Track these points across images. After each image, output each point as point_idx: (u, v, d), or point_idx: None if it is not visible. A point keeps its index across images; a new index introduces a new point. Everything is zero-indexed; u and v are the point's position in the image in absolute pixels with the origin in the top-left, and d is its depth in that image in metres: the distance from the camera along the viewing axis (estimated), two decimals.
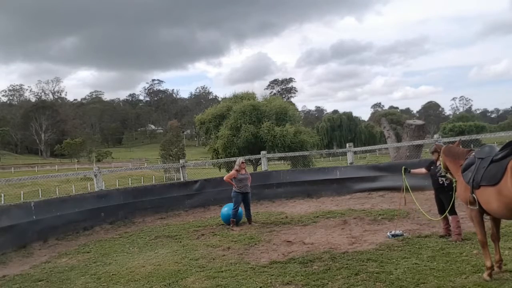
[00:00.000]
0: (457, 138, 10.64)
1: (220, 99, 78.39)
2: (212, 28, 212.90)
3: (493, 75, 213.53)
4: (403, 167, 7.27)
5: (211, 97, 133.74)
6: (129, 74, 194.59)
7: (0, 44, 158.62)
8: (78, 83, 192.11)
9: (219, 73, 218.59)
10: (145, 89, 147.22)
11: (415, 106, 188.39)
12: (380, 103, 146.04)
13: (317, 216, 9.48)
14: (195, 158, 68.15)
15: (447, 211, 6.53)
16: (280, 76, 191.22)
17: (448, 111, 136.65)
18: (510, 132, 27.06)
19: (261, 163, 14.90)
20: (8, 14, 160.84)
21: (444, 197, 6.63)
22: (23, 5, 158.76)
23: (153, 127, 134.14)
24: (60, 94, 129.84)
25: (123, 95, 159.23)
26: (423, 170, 7.29)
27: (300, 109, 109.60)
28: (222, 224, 9.38)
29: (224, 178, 9.84)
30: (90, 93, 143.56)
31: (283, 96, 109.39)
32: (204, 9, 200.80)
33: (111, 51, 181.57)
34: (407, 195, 7.11)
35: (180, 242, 8.08)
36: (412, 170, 7.38)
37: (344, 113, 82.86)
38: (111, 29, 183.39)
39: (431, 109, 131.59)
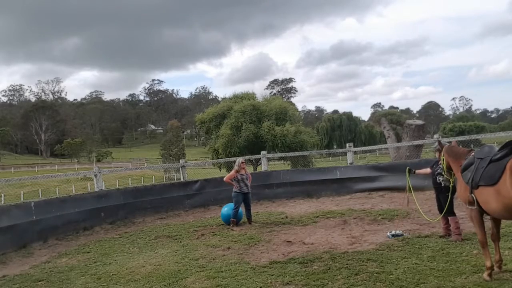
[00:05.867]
0: (456, 139, 10.67)
1: (220, 99, 78.49)
2: (214, 29, 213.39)
3: (492, 75, 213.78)
4: (407, 167, 7.17)
5: (211, 97, 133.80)
6: (131, 75, 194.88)
7: (2, 45, 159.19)
8: (80, 84, 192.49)
9: (220, 73, 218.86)
10: (145, 89, 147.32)
11: (415, 106, 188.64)
12: (380, 103, 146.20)
13: (317, 216, 9.47)
14: (195, 158, 68.16)
15: (443, 213, 6.49)
16: (280, 76, 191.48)
17: (448, 111, 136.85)
18: (510, 132, 27.05)
19: (261, 163, 14.90)
20: (10, 15, 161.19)
21: (443, 197, 6.62)
22: (25, 6, 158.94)
23: (153, 127, 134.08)
24: (60, 94, 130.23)
25: (125, 95, 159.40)
26: (428, 170, 7.17)
27: (300, 109, 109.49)
28: (222, 224, 9.38)
29: (224, 179, 9.85)
30: (90, 93, 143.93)
31: (283, 96, 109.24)
32: (206, 10, 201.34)
33: (113, 51, 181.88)
34: (410, 195, 7.07)
35: (180, 242, 8.08)
36: (417, 171, 7.26)
37: (344, 113, 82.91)
38: (113, 30, 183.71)
39: (431, 109, 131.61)
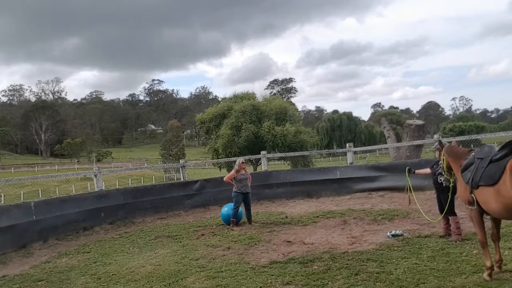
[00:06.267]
0: (456, 139, 10.67)
1: (220, 99, 78.51)
2: (214, 29, 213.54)
3: (492, 75, 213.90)
4: (407, 167, 7.17)
5: (211, 97, 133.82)
6: (131, 75, 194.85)
7: (2, 45, 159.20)
8: (80, 84, 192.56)
9: (220, 73, 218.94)
10: (145, 89, 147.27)
11: (415, 106, 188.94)
12: (380, 103, 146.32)
13: (317, 216, 9.48)
14: (195, 158, 68.18)
15: (444, 213, 6.50)
16: (280, 76, 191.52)
17: (448, 111, 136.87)
18: (510, 132, 27.04)
19: (261, 163, 14.90)
20: (10, 15, 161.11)
21: (443, 197, 6.62)
22: (25, 6, 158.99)
23: (153, 127, 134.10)
24: (60, 94, 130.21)
25: (125, 95, 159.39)
26: (427, 170, 7.18)
27: (300, 109, 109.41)
28: (222, 224, 9.38)
29: (224, 178, 9.86)
30: (90, 93, 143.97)
31: (283, 96, 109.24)
32: (206, 10, 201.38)
33: (113, 51, 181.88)
34: (411, 195, 7.07)
35: (180, 242, 8.08)
36: (417, 171, 7.27)
37: (344, 113, 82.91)
38: (113, 30, 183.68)
39: (431, 109, 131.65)
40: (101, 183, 11.07)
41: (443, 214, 6.54)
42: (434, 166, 6.96)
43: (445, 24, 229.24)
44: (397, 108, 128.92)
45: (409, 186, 7.02)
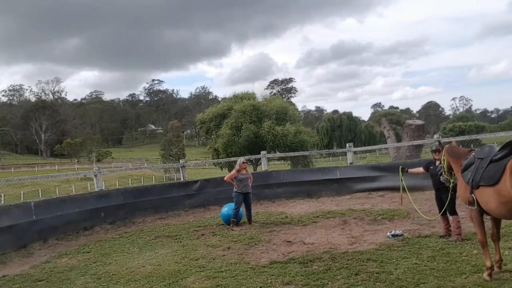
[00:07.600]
0: (456, 139, 10.68)
1: (220, 99, 78.54)
2: (215, 29, 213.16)
3: (492, 75, 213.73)
4: (400, 166, 7.37)
5: (211, 97, 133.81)
6: (131, 75, 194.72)
7: (3, 45, 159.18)
8: (80, 84, 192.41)
9: (220, 73, 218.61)
10: (145, 89, 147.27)
11: (415, 106, 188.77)
12: (380, 103, 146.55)
13: (317, 216, 9.48)
14: (195, 158, 68.18)
15: (443, 209, 6.53)
16: (281, 76, 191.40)
17: (448, 111, 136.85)
18: (510, 132, 27.03)
19: (261, 163, 14.90)
20: (11, 15, 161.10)
21: (445, 197, 6.62)
22: (26, 6, 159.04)
23: (153, 127, 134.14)
24: (60, 94, 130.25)
25: (125, 95, 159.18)
26: (420, 169, 7.32)
27: (300, 109, 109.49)
28: (222, 224, 9.38)
29: (225, 178, 9.87)
30: (90, 93, 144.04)
31: (283, 96, 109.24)
32: (206, 11, 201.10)
33: (114, 52, 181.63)
34: (405, 194, 7.15)
35: (180, 242, 8.08)
36: (410, 170, 7.42)
37: (344, 113, 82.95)
38: (114, 30, 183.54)
39: (431, 109, 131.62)
40: (101, 183, 11.07)
41: (442, 211, 6.56)
42: (431, 167, 6.98)
43: (445, 24, 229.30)
44: (397, 108, 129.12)
45: (403, 186, 7.11)
